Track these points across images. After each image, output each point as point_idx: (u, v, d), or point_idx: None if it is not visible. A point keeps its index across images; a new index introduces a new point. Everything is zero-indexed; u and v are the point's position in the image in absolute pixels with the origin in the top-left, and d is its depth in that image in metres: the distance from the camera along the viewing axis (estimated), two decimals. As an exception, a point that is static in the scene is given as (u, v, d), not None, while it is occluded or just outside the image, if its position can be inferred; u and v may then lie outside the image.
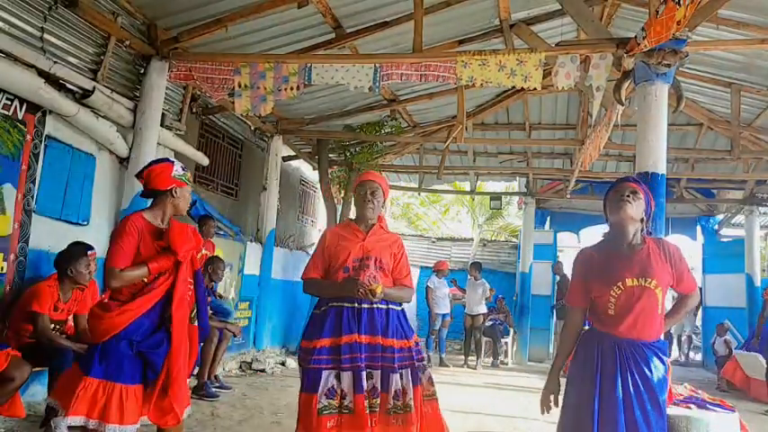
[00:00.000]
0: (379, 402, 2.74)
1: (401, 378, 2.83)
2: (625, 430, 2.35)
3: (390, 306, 2.95)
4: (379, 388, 2.77)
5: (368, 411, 2.70)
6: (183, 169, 2.88)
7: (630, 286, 2.45)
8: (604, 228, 2.72)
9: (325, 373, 2.77)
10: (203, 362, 5.36)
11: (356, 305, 2.86)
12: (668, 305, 2.76)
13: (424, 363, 3.00)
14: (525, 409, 6.05)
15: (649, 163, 4.23)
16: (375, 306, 2.87)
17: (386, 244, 3.00)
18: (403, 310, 3.04)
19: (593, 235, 12.38)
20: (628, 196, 2.51)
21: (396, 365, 2.81)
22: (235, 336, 6.12)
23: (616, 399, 2.39)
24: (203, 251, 6.25)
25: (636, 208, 2.51)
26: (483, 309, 9.65)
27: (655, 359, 2.45)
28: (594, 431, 2.37)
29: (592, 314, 2.60)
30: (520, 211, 13.00)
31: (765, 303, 7.74)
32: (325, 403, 2.72)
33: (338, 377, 2.76)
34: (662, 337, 2.57)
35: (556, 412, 2.63)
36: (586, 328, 2.72)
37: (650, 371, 2.43)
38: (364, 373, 2.75)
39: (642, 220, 2.56)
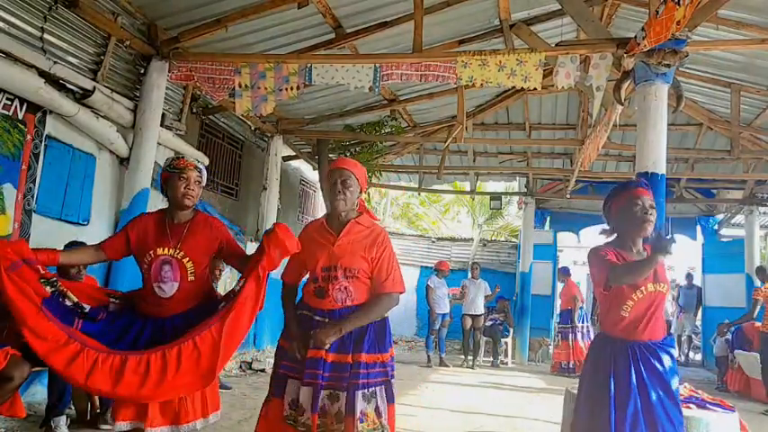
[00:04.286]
0: (343, 429, 2.44)
1: (373, 396, 2.51)
2: (642, 415, 2.40)
3: None
4: (344, 412, 2.45)
5: None
6: (175, 158, 2.78)
7: (651, 292, 2.51)
8: (603, 227, 2.73)
9: (289, 382, 2.58)
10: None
11: (326, 320, 2.56)
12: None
13: (393, 380, 2.62)
14: (525, 409, 6.05)
15: (649, 163, 4.24)
16: None
17: (361, 245, 2.60)
18: (384, 319, 2.65)
19: (594, 235, 12.40)
20: (651, 213, 2.50)
21: (360, 382, 2.48)
22: (235, 336, 6.11)
23: (633, 400, 2.44)
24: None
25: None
26: (482, 308, 9.70)
27: (663, 354, 2.53)
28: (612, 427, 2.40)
29: (604, 317, 2.62)
30: (520, 211, 12.99)
31: (754, 303, 7.74)
32: (289, 412, 2.54)
33: (298, 390, 2.53)
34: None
35: (557, 414, 2.64)
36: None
37: (660, 365, 2.50)
38: (323, 393, 2.47)
39: None
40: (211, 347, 2.52)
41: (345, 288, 2.56)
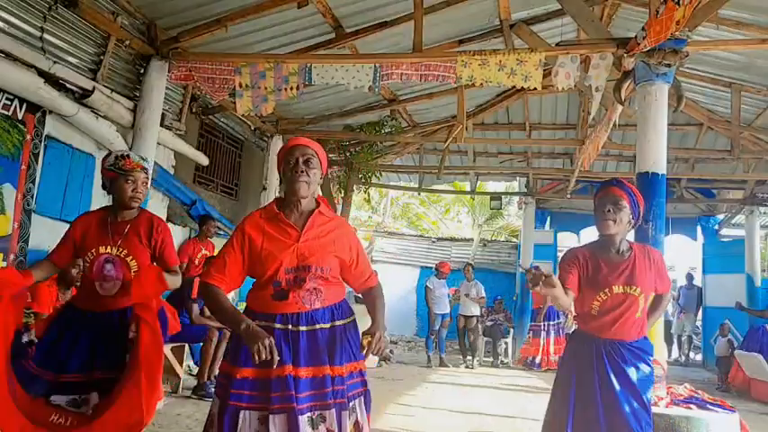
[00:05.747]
0: None
1: (353, 411, 2.18)
2: (606, 428, 2.39)
3: (336, 322, 2.21)
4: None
5: None
6: (121, 158, 2.69)
7: (617, 293, 2.52)
8: None
9: (244, 415, 2.03)
10: (203, 362, 5.36)
11: (290, 327, 2.12)
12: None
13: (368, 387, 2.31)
14: (525, 409, 6.05)
15: (649, 163, 4.24)
16: (318, 327, 2.15)
17: (328, 239, 2.21)
18: (353, 321, 2.30)
19: (594, 235, 12.39)
20: (609, 212, 2.51)
21: (346, 400, 2.14)
22: (235, 336, 6.09)
23: (595, 397, 2.44)
24: (203, 251, 6.25)
25: (619, 223, 2.53)
26: (477, 310, 9.71)
27: (635, 359, 2.53)
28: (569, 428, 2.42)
29: (577, 313, 2.67)
30: (520, 211, 12.99)
31: None
32: None
33: (265, 421, 2.02)
34: (645, 336, 2.63)
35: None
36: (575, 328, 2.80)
37: (629, 369, 2.50)
38: (304, 418, 2.03)
39: (630, 222, 2.58)
40: (130, 407, 2.49)
41: (314, 289, 2.17)
